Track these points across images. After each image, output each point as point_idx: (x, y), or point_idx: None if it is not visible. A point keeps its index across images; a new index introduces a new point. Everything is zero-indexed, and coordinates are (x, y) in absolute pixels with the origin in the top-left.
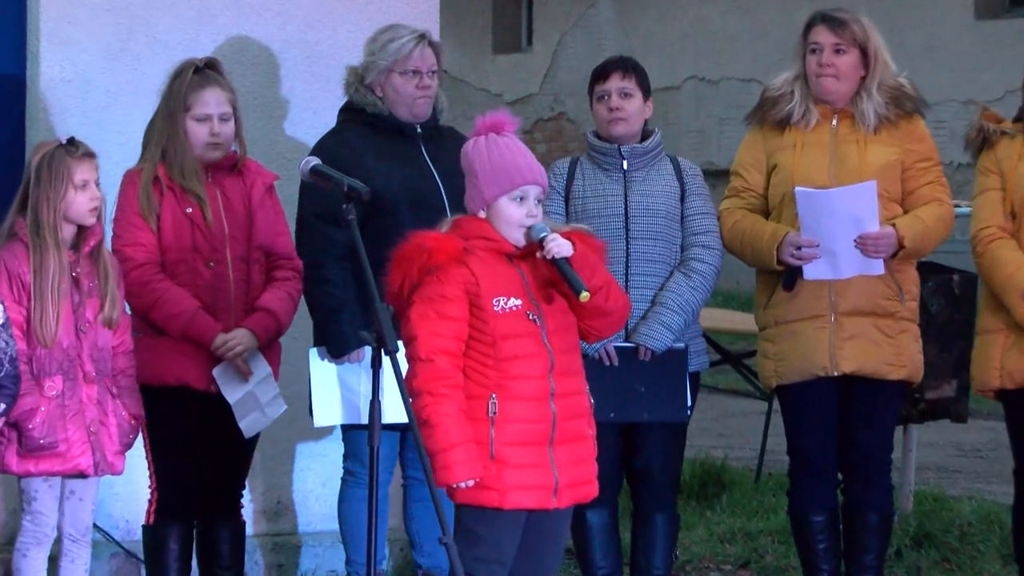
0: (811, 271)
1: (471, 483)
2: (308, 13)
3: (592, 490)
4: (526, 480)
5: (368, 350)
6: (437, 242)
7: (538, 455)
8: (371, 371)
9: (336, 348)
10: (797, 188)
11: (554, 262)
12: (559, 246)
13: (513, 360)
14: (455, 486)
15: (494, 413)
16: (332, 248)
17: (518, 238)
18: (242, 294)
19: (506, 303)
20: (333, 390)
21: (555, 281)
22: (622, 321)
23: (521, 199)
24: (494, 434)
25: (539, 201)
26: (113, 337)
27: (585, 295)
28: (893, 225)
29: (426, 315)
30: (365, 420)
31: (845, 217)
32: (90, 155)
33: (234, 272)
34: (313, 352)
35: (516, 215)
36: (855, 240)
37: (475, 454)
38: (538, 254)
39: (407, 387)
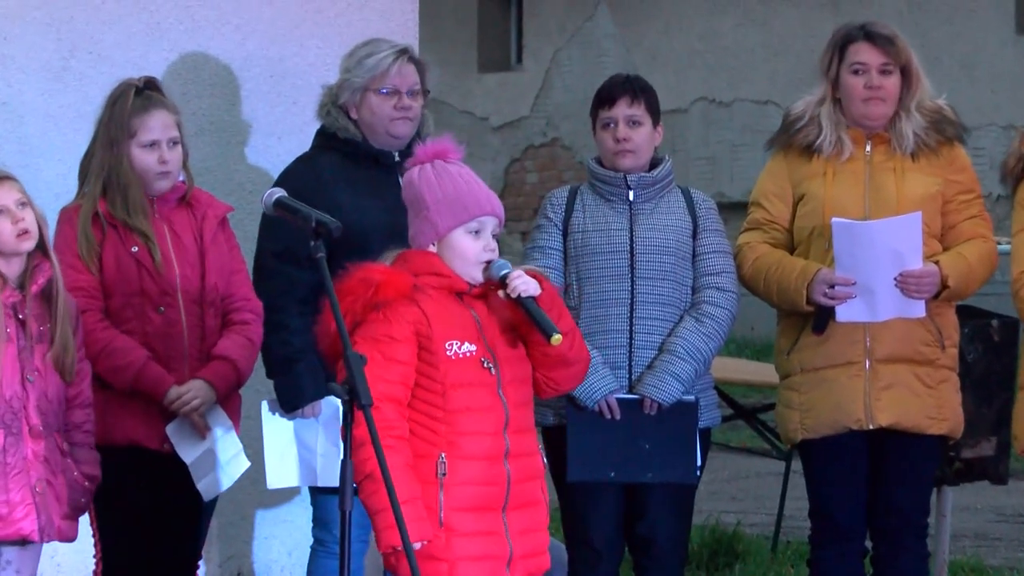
0: (845, 312)
1: (418, 546)
2: (271, 27)
3: (544, 562)
4: (478, 550)
5: (325, 404)
6: (385, 276)
7: (491, 522)
8: (328, 427)
9: (289, 401)
10: (834, 219)
11: (520, 302)
12: (526, 284)
13: (465, 413)
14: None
15: (443, 474)
16: (292, 291)
17: (474, 275)
18: (196, 341)
19: (460, 348)
20: (289, 448)
21: (516, 325)
22: (583, 373)
23: (477, 232)
24: (443, 498)
25: (494, 235)
26: (69, 388)
27: (557, 338)
28: (936, 263)
29: (370, 357)
30: (322, 482)
31: (886, 252)
32: (4, 178)
33: (187, 317)
34: (264, 405)
35: (473, 249)
36: (895, 278)
37: (423, 513)
38: (500, 293)
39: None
